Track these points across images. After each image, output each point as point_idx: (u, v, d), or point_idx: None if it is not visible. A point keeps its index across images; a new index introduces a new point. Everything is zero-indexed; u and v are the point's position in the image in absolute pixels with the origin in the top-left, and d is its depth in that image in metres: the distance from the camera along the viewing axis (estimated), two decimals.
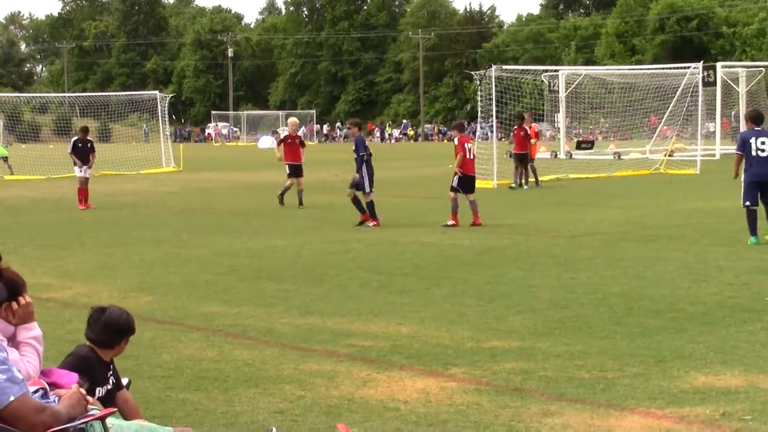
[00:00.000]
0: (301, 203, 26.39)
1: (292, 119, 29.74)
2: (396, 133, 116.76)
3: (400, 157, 61.72)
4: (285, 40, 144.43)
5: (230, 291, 13.54)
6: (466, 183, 21.67)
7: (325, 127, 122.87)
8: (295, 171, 27.07)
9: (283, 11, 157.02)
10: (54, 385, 5.71)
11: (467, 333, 10.53)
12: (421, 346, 10.00)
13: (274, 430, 6.37)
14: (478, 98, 42.50)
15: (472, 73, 57.49)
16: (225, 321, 11.41)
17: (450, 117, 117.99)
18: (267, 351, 9.89)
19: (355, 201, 21.59)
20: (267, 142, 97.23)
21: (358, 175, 21.40)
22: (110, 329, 6.33)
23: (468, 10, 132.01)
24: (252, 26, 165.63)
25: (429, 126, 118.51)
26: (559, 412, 7.65)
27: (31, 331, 5.92)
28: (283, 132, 30.41)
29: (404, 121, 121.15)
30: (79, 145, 28.09)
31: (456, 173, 21.58)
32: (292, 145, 27.56)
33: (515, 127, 34.80)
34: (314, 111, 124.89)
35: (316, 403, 8.00)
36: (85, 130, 29.05)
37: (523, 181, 33.48)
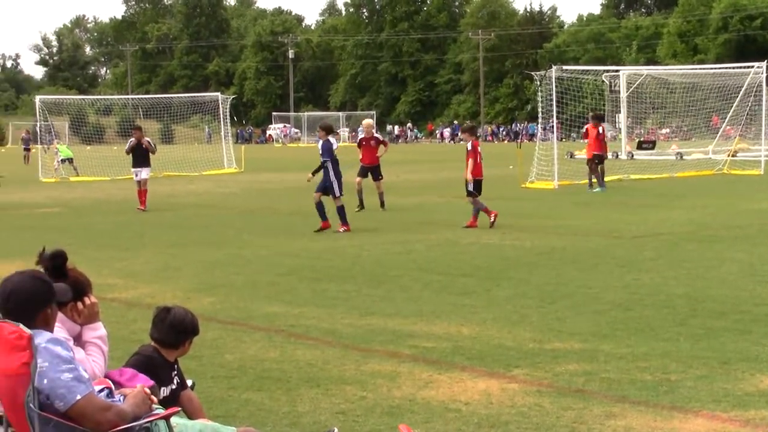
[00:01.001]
0: (382, 205, 26.01)
1: (367, 121, 28.98)
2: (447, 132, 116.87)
3: (457, 158, 61.58)
4: (345, 42, 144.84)
5: (292, 291, 13.61)
6: (480, 186, 21.82)
7: (396, 128, 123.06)
8: (372, 173, 26.52)
9: (344, 12, 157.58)
10: (121, 385, 5.79)
11: (529, 334, 10.50)
12: (482, 347, 9.99)
13: (336, 430, 6.39)
14: (539, 99, 42.30)
15: (532, 73, 57.23)
16: (287, 321, 11.48)
17: (510, 118, 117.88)
18: (329, 351, 9.93)
19: (318, 205, 21.21)
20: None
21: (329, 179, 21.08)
22: (175, 329, 6.40)
23: (528, 10, 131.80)
24: (312, 28, 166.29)
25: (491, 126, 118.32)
26: (622, 414, 7.60)
27: (97, 331, 6.01)
28: (360, 133, 29.56)
29: (454, 122, 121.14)
30: (135, 147, 28.26)
31: (469, 180, 21.56)
32: (367, 146, 27.11)
33: (586, 126, 34.36)
34: (374, 112, 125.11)
35: (378, 404, 8.02)
36: (139, 129, 29.30)
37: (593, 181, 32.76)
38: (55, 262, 5.93)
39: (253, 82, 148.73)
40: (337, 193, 20.98)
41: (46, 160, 49.54)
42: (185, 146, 65.01)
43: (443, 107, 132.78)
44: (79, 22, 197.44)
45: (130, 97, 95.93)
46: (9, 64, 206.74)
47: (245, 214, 26.35)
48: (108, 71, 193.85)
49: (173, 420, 5.46)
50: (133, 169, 28.34)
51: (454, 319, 11.42)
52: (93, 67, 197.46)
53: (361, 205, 25.65)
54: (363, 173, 26.47)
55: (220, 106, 55.57)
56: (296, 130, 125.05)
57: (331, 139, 21.43)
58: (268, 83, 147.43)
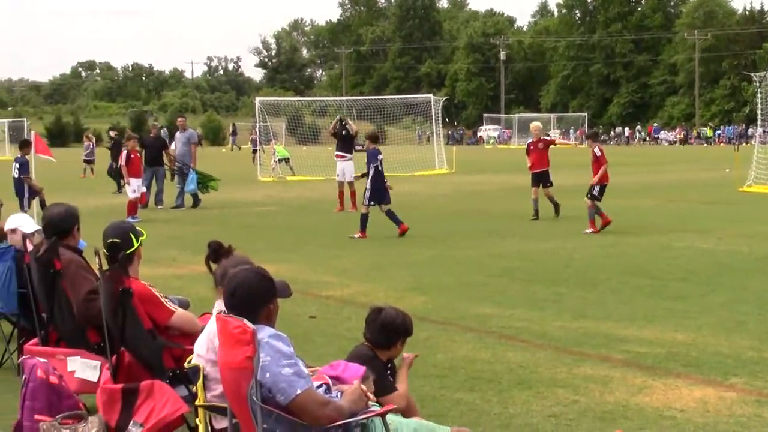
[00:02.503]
0: (557, 211, 24.68)
1: (535, 123, 27.16)
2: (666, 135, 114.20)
3: (671, 161, 60.29)
4: (557, 43, 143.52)
5: (503, 293, 13.63)
6: (604, 191, 21.61)
7: (626, 129, 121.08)
8: (541, 180, 24.91)
9: (556, 14, 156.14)
10: (338, 379, 5.95)
11: (747, 342, 10.22)
12: (698, 354, 9.78)
13: None
14: (758, 101, 40.87)
15: (751, 74, 55.39)
16: (498, 323, 11.50)
17: (727, 120, 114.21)
18: (540, 354, 9.91)
19: (389, 213, 21.32)
20: None
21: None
22: (386, 330, 6.53)
23: (748, 9, 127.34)
24: (524, 29, 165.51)
25: (703, 129, 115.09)
26: None
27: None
28: (529, 137, 27.25)
29: (654, 124, 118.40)
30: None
31: (595, 183, 21.29)
32: (535, 150, 25.23)
33: None
34: (586, 114, 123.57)
35: (590, 409, 7.96)
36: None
37: None
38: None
39: (464, 83, 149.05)
40: (365, 201, 21.11)
41: (265, 160, 50.99)
42: (397, 147, 65.74)
43: (656, 109, 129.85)
44: (296, 25, 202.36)
45: (344, 98, 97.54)
46: (231, 66, 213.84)
47: (455, 214, 26.48)
48: (323, 73, 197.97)
49: (389, 417, 5.57)
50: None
51: (668, 324, 11.22)
52: (309, 69, 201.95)
53: (536, 215, 24.37)
54: (535, 182, 25.03)
55: (432, 107, 55.97)
56: (508, 132, 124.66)
57: (377, 148, 21.63)
58: (479, 85, 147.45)
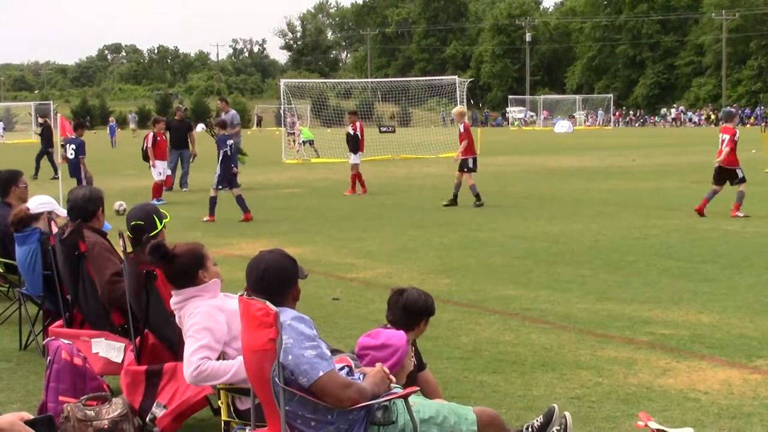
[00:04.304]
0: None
1: (458, 109, 27.76)
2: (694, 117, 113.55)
3: (696, 141, 59.98)
4: (583, 24, 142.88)
5: (527, 275, 13.60)
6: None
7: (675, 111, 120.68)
8: None
9: None
10: (384, 347, 6.00)
11: None
12: (723, 336, 9.74)
13: (567, 415, 6.34)
14: None
15: None
16: (522, 305, 11.49)
17: (754, 101, 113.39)
18: (564, 336, 9.89)
19: (239, 198, 21.55)
20: (564, 126, 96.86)
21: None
22: (409, 311, 6.53)
23: None
24: (550, 10, 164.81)
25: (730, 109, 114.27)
26: None
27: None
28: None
29: (674, 106, 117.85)
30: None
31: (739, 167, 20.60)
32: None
33: None
34: (611, 95, 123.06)
35: (614, 390, 7.94)
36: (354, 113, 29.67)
37: None
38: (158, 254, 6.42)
39: (489, 65, 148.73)
40: (215, 185, 21.43)
41: (289, 142, 51.08)
42: (422, 129, 65.70)
43: (683, 90, 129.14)
44: (322, 7, 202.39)
45: (369, 80, 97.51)
46: (256, 49, 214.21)
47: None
48: (348, 55, 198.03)
49: (411, 399, 5.57)
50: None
51: (693, 306, 11.17)
52: (334, 52, 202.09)
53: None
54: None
55: (457, 89, 55.86)
56: (531, 113, 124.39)
57: (226, 134, 22.12)
58: (504, 66, 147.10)
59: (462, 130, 24.19)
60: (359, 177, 28.12)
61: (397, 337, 6.12)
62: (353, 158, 28.15)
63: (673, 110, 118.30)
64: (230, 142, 21.63)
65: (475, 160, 24.01)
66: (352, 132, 28.44)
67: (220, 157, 21.26)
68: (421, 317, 6.57)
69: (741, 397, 7.72)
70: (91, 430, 6.42)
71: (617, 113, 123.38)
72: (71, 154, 23.32)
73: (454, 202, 23.68)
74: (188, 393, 6.56)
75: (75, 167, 23.19)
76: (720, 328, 10.08)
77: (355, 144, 28.08)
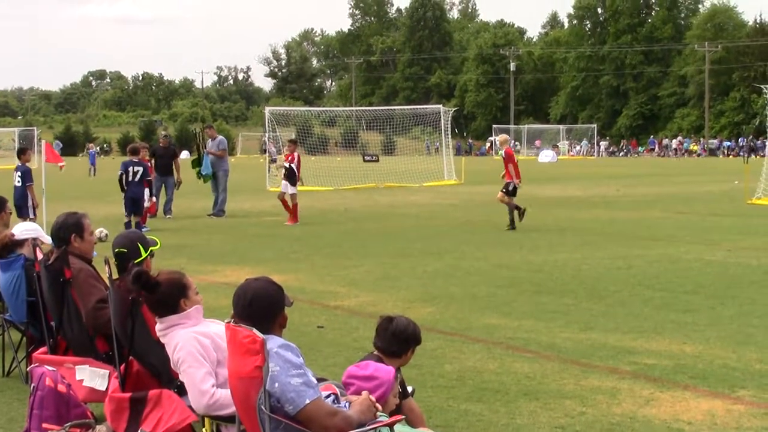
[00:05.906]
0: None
1: (502, 136, 28.84)
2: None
3: (682, 173, 60.26)
4: (567, 54, 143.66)
5: (511, 304, 13.63)
6: None
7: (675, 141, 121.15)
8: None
9: (566, 25, 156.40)
10: (371, 378, 5.99)
11: (755, 355, 10.21)
12: (706, 366, 9.77)
13: None
14: (767, 113, 40.83)
15: (761, 87, 55.40)
16: (506, 334, 11.51)
17: (736, 132, 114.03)
18: (548, 365, 9.91)
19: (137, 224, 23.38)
20: (548, 156, 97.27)
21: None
22: (397, 339, 6.55)
23: (758, 21, 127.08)
24: (534, 40, 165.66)
25: (714, 141, 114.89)
26: None
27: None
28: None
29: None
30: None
31: None
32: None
33: None
34: (595, 125, 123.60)
35: (598, 420, 7.96)
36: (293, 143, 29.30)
37: None
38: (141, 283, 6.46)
39: (473, 94, 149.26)
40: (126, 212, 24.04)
41: (273, 170, 51.06)
42: (406, 157, 65.83)
43: (666, 121, 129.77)
44: (307, 35, 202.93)
45: (353, 108, 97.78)
46: (240, 76, 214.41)
47: (464, 225, 26.49)
48: (333, 83, 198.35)
49: (396, 428, 5.58)
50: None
51: (676, 336, 11.21)
52: (319, 79, 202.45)
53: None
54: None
55: (442, 118, 56.08)
56: (517, 143, 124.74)
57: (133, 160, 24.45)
58: (488, 95, 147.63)
59: (504, 155, 25.45)
60: (293, 207, 27.79)
61: (385, 371, 6.13)
62: (291, 189, 27.59)
63: (675, 141, 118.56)
64: (135, 169, 23.76)
65: (515, 186, 24.89)
66: (287, 165, 27.82)
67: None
68: (408, 345, 6.59)
69: (724, 427, 7.75)
70: None
71: (609, 140, 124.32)
72: (18, 181, 22.24)
73: (512, 225, 24.68)
74: (173, 420, 6.55)
75: (22, 196, 22.06)
76: (703, 358, 10.12)
77: (291, 175, 27.59)
